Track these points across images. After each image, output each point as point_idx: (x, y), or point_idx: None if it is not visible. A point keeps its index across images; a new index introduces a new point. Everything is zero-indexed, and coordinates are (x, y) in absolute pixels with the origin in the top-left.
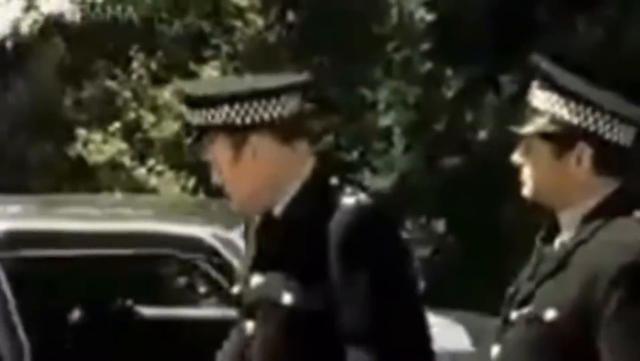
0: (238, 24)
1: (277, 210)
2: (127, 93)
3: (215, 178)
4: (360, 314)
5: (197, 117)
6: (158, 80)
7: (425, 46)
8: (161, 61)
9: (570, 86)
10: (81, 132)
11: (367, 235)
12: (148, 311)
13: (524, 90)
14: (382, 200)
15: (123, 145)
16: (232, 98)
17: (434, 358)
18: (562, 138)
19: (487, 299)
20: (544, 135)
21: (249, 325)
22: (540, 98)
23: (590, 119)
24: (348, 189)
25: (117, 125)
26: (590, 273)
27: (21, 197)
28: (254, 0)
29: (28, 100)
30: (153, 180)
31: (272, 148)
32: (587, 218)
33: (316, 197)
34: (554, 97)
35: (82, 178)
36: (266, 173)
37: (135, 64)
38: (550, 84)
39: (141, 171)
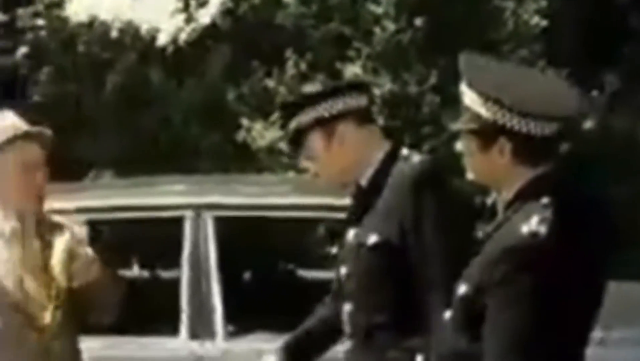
0: (375, 28)
1: (364, 182)
2: (282, 89)
3: (311, 171)
4: (426, 249)
5: (294, 123)
6: (306, 78)
7: (537, 48)
8: (310, 61)
9: (483, 87)
10: (245, 121)
11: (433, 181)
12: (307, 273)
13: (625, 87)
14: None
15: (281, 133)
16: (318, 97)
17: None
18: (484, 133)
19: None
20: (470, 131)
21: (343, 270)
22: (467, 95)
23: (507, 117)
24: (415, 153)
25: (275, 115)
26: (486, 255)
27: (202, 177)
28: (388, 8)
29: (198, 95)
30: (305, 163)
31: (355, 133)
32: (509, 204)
33: (392, 165)
34: (474, 96)
35: (247, 162)
36: (351, 156)
37: (289, 64)
38: (469, 84)
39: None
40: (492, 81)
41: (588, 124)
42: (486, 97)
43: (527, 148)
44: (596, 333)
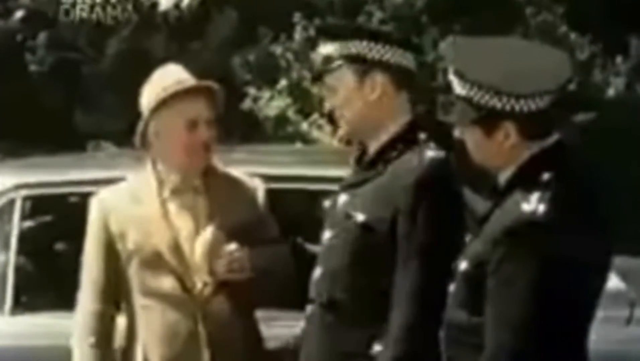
0: None
1: (372, 147)
2: (290, 56)
3: (329, 105)
4: (412, 248)
5: (331, 48)
6: (315, 44)
7: (559, 11)
8: (318, 27)
9: (477, 77)
10: (251, 90)
11: (438, 185)
12: (315, 247)
13: None
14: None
15: (288, 101)
16: (370, 36)
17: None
18: (487, 120)
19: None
20: (472, 120)
21: (327, 234)
22: (459, 86)
23: (504, 100)
24: (432, 144)
25: (283, 83)
26: (487, 233)
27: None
28: None
29: (203, 63)
30: (315, 133)
31: (389, 89)
32: (509, 182)
33: (405, 145)
34: (467, 85)
35: (253, 131)
36: (375, 107)
37: (297, 30)
38: (462, 75)
39: (304, 125)
40: (484, 69)
41: (612, 91)
42: (479, 86)
43: (530, 125)
44: (622, 312)
